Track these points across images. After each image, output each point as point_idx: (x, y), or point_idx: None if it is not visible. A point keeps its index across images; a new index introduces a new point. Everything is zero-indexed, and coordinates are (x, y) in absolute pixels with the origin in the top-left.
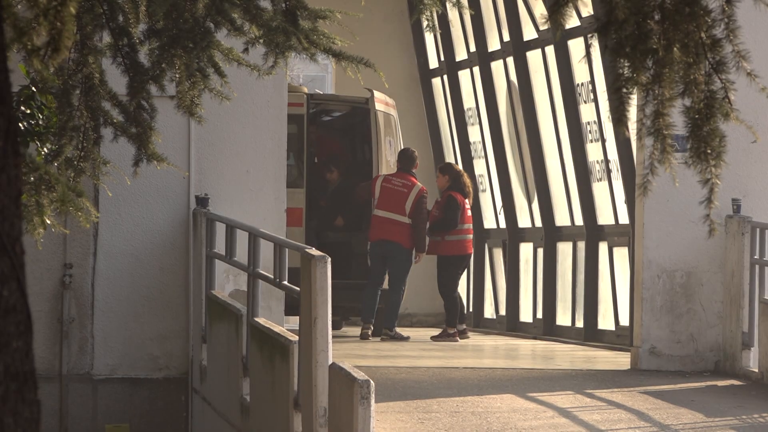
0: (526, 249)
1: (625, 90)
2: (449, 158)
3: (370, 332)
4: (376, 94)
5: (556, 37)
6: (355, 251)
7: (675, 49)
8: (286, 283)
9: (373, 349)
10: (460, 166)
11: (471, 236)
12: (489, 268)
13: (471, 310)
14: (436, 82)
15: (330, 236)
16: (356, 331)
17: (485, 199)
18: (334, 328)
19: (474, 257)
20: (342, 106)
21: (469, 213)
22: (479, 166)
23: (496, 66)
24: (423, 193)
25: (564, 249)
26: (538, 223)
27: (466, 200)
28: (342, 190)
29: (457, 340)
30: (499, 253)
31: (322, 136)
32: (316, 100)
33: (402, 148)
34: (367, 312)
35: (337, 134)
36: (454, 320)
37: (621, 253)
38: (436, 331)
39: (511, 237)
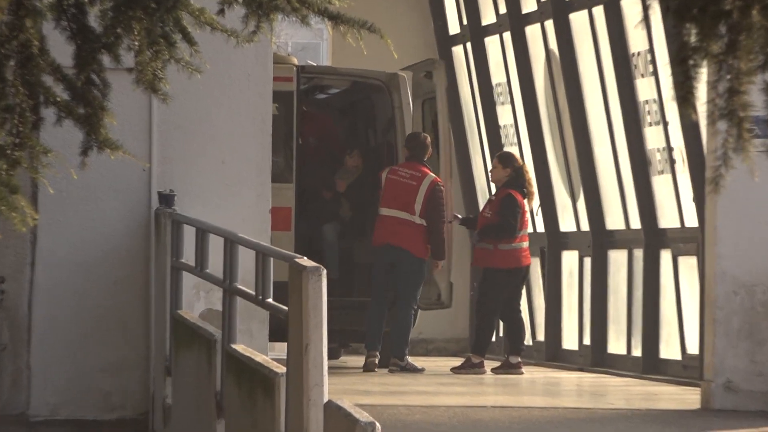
0: (569, 258)
1: (692, 62)
2: (474, 145)
3: (376, 361)
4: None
5: None
6: (357, 262)
7: (754, 11)
8: (270, 301)
9: (379, 383)
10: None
11: (527, 244)
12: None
13: (501, 334)
14: (458, 51)
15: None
16: (358, 361)
17: None
18: (330, 357)
19: None
20: (341, 81)
21: (528, 217)
22: None
23: (532, 31)
24: (436, 184)
25: (617, 258)
26: (585, 227)
27: (526, 201)
28: (367, 178)
29: (484, 372)
30: (536, 264)
31: (316, 116)
32: (309, 74)
33: (411, 132)
34: (372, 337)
35: (336, 116)
36: (483, 348)
37: (688, 264)
38: (457, 362)
39: (552, 244)
